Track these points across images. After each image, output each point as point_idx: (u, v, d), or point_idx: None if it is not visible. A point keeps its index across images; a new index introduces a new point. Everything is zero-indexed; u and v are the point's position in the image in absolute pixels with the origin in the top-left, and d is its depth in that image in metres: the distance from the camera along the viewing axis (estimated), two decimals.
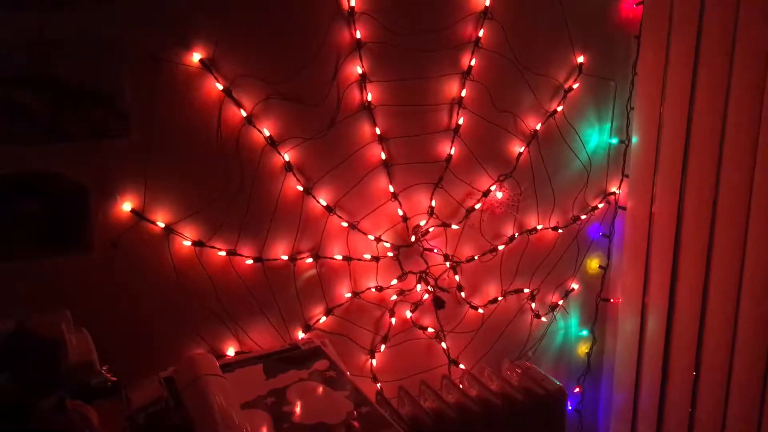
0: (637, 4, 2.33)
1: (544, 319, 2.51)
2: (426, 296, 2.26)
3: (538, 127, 2.29)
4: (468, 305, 2.35)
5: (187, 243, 1.90)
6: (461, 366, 2.36)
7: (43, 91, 1.67)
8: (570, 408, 2.61)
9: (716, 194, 2.28)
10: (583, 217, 2.47)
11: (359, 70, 1.99)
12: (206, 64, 1.81)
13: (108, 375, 1.42)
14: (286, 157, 1.96)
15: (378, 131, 2.06)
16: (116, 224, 1.81)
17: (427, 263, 2.25)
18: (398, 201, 2.14)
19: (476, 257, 2.32)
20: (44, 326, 1.35)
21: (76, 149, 1.73)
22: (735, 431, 2.34)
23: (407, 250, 2.21)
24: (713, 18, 2.18)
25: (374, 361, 2.23)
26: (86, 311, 1.50)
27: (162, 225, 1.86)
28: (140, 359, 1.77)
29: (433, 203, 2.20)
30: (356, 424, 1.58)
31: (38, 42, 1.65)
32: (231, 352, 2.01)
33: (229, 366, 1.77)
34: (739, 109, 2.16)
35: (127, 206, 1.81)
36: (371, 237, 2.14)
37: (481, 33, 2.12)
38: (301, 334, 2.10)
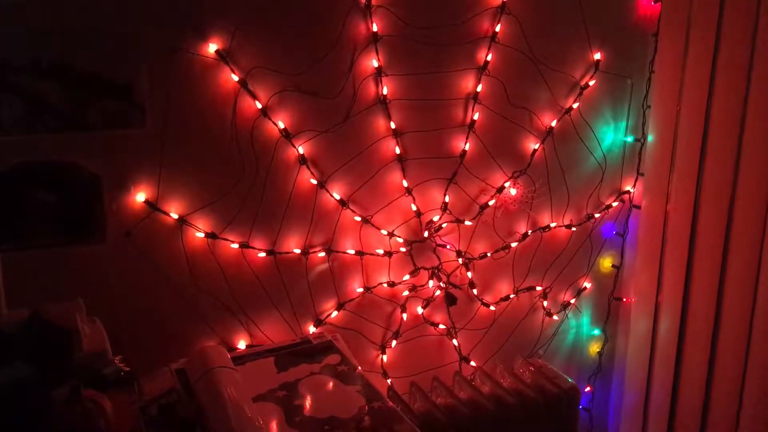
0: (654, 2, 2.30)
1: (555, 317, 2.50)
2: (438, 292, 2.25)
3: (554, 123, 2.28)
4: (480, 302, 2.33)
5: (200, 235, 1.89)
6: (472, 363, 2.35)
7: (60, 80, 1.67)
8: (580, 407, 2.59)
9: (732, 194, 2.27)
10: (597, 215, 2.46)
11: (375, 64, 1.98)
12: (222, 55, 1.80)
13: (121, 365, 1.42)
14: (300, 150, 1.95)
15: (393, 125, 2.05)
16: (130, 215, 1.81)
17: (439, 259, 2.24)
18: (412, 196, 2.13)
19: (489, 254, 2.30)
20: (58, 315, 1.35)
21: (91, 139, 1.73)
22: None
23: (420, 245, 2.20)
24: (732, 16, 2.16)
25: (385, 357, 2.22)
26: (99, 301, 1.50)
27: (175, 216, 1.85)
28: (152, 350, 1.78)
29: (447, 199, 2.18)
30: (368, 419, 1.57)
31: (57, 32, 1.65)
32: (242, 345, 2.01)
33: (240, 359, 1.77)
34: (757, 109, 2.15)
35: (140, 197, 1.81)
36: (384, 232, 2.13)
37: (497, 28, 2.10)
38: (312, 329, 2.10)
